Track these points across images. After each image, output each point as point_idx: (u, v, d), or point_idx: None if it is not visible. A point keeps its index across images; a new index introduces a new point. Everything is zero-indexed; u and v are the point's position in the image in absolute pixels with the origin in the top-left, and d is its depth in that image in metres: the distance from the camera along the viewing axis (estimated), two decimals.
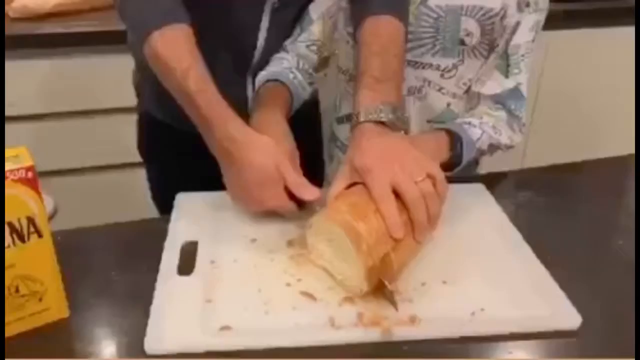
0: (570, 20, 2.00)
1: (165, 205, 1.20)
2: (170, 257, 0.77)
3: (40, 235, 0.63)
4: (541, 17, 1.00)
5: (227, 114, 0.81)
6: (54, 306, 0.67)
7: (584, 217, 0.93)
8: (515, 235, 0.84)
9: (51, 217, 1.17)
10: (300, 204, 0.81)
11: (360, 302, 0.70)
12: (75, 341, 0.67)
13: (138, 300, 0.71)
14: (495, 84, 1.01)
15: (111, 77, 1.57)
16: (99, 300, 0.72)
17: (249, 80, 1.04)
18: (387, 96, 0.84)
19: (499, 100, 1.01)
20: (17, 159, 0.61)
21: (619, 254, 0.84)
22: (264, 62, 1.02)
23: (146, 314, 0.69)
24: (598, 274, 0.78)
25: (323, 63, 1.07)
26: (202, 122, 0.81)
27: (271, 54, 1.02)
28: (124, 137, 1.24)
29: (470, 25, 0.98)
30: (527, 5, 0.98)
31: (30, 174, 0.60)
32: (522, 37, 0.99)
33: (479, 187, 0.96)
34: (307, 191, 0.79)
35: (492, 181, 0.98)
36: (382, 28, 0.91)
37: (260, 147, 0.79)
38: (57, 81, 1.61)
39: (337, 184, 0.77)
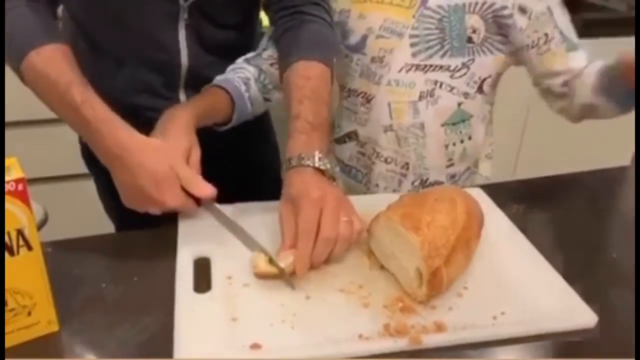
0: None
1: (121, 218, 1.17)
2: (184, 274, 0.76)
3: (29, 248, 0.62)
4: None
5: (115, 121, 0.81)
6: (43, 320, 0.66)
7: (577, 230, 0.93)
8: (520, 237, 0.86)
9: (41, 225, 1.16)
10: (199, 200, 0.82)
11: (384, 312, 0.71)
12: (65, 355, 0.66)
13: (129, 313, 0.71)
14: (578, 60, 1.03)
15: None
16: (89, 313, 0.71)
17: (182, 95, 1.03)
18: (321, 144, 0.87)
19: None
20: (8, 170, 0.60)
21: (613, 267, 0.84)
22: (195, 77, 1.00)
23: (136, 327, 0.69)
24: (591, 286, 0.78)
25: None
26: (90, 132, 0.80)
27: (200, 69, 1.00)
28: None
29: (475, 21, 0.99)
30: None
31: (20, 186, 0.59)
32: (561, 15, 1.02)
33: (478, 192, 0.96)
34: (200, 187, 0.81)
35: (485, 192, 0.97)
36: (311, 72, 0.93)
37: (152, 150, 0.80)
38: None
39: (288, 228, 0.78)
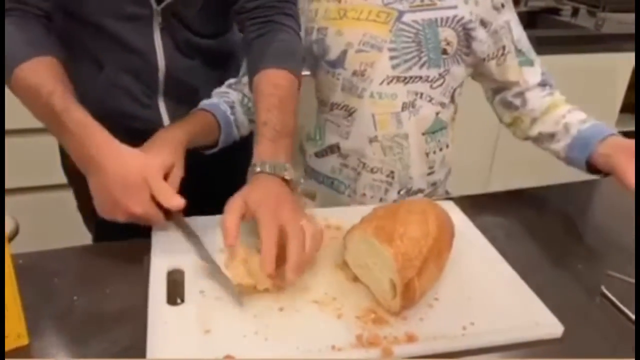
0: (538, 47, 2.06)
1: (99, 230, 1.15)
2: (157, 286, 0.75)
3: None
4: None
5: (94, 126, 0.82)
6: (12, 333, 0.65)
7: (545, 242, 0.95)
8: (490, 249, 0.88)
9: (12, 237, 1.14)
10: (167, 214, 0.82)
11: (357, 323, 0.72)
12: None
13: (101, 326, 0.70)
14: (532, 75, 1.11)
15: None
16: (59, 326, 0.70)
17: (161, 102, 1.03)
18: (286, 153, 0.89)
19: (544, 83, 1.11)
20: None
21: (579, 278, 0.86)
22: (174, 82, 1.01)
23: (108, 340, 0.68)
24: (558, 297, 0.79)
25: None
26: (69, 137, 0.82)
27: (178, 74, 1.01)
28: None
29: (448, 34, 1.04)
30: (503, 6, 1.07)
31: None
32: (517, 30, 1.10)
33: (450, 205, 0.98)
34: (168, 197, 0.80)
35: (456, 204, 0.99)
36: (281, 80, 0.94)
37: (127, 156, 0.81)
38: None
39: (232, 216, 0.78)
